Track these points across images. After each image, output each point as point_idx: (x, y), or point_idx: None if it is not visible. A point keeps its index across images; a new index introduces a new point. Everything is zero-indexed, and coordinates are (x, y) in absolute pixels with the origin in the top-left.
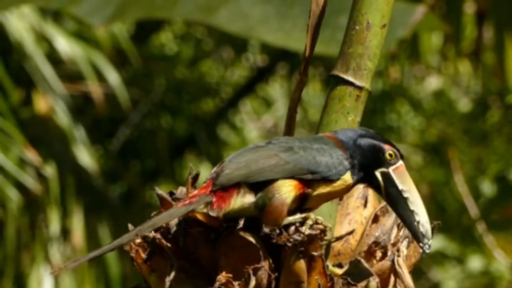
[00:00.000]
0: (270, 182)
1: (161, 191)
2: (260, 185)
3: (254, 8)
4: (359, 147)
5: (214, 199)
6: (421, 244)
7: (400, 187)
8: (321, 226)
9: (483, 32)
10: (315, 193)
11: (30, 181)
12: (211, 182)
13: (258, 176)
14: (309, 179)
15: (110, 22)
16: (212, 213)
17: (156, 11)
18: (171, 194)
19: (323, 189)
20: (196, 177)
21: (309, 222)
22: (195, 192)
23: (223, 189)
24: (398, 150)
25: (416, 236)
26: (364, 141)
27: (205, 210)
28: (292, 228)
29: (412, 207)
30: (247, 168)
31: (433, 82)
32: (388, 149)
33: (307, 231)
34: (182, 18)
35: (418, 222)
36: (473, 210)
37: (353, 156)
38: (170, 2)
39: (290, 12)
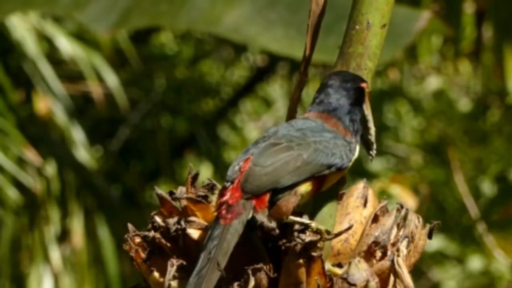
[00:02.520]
0: (294, 184)
1: (161, 190)
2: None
3: (258, 15)
4: (354, 114)
5: (254, 203)
6: (370, 152)
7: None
8: (322, 230)
9: (482, 32)
10: (328, 183)
11: (29, 181)
12: (239, 186)
13: (286, 182)
14: (326, 174)
15: (115, 29)
16: (258, 216)
17: (160, 18)
18: (171, 193)
19: (335, 178)
20: (195, 177)
21: (312, 227)
22: (227, 197)
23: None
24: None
25: (368, 145)
26: (356, 107)
27: (250, 216)
28: (295, 233)
29: (369, 125)
30: (275, 175)
31: (433, 82)
32: (365, 88)
33: (308, 238)
34: (186, 26)
35: (370, 135)
36: (473, 210)
37: (357, 130)
38: (175, 9)
39: (294, 19)
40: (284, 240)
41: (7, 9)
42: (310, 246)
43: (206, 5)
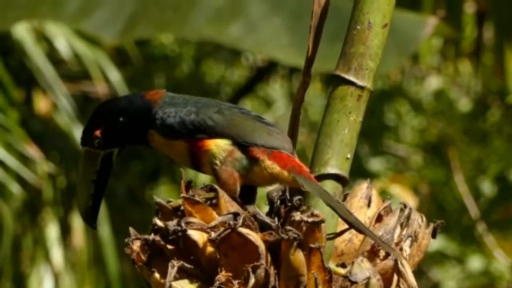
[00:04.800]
0: None
1: (160, 199)
2: None
3: (264, 22)
4: None
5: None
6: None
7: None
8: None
9: (483, 32)
10: None
11: (31, 176)
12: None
13: None
14: None
15: (121, 37)
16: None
17: (166, 26)
18: (169, 203)
19: None
20: (189, 183)
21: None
22: (297, 161)
23: None
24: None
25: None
26: None
27: None
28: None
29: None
30: None
31: (433, 82)
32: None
33: (311, 219)
34: (193, 35)
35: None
36: (473, 210)
37: None
38: (181, 17)
39: (299, 25)
40: (285, 229)
41: (11, 17)
42: (314, 227)
43: (211, 13)
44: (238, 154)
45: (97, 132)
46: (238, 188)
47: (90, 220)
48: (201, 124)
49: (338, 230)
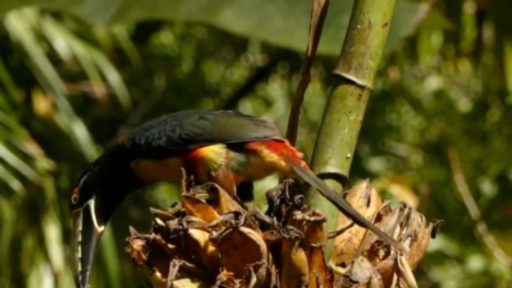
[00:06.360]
0: None
1: (157, 210)
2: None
3: (257, 8)
4: None
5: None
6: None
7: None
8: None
9: (483, 32)
10: None
11: (32, 173)
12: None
13: None
14: None
15: (113, 22)
16: None
17: (159, 11)
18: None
19: None
20: (190, 182)
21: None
22: (293, 150)
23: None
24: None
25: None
26: None
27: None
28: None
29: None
30: None
31: (433, 82)
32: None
33: (313, 218)
34: (185, 18)
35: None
36: (473, 210)
37: None
38: (174, 2)
39: (293, 11)
40: (286, 228)
41: (5, 7)
42: (315, 226)
43: None
44: (232, 153)
45: (75, 190)
46: (235, 189)
47: (82, 284)
48: (190, 135)
49: (338, 229)
